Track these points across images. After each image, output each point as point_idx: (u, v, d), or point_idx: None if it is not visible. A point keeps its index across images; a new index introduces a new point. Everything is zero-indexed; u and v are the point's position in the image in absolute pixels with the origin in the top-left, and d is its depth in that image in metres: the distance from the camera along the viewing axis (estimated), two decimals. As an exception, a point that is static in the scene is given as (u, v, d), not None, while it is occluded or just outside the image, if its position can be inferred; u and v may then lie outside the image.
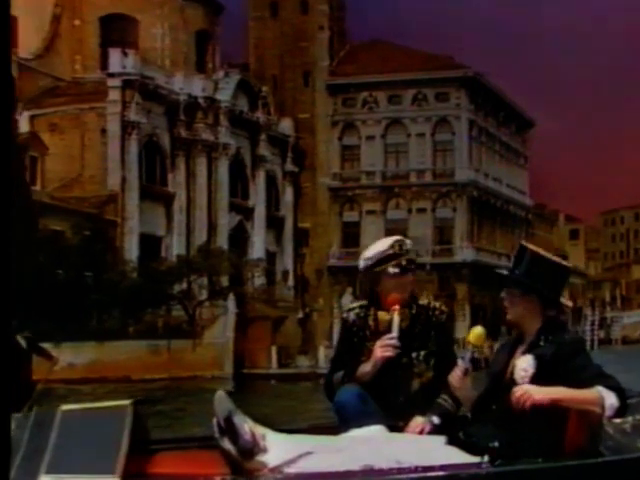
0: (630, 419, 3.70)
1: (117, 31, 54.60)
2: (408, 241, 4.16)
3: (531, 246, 3.76)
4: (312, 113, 64.68)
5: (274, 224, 59.69)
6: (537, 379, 3.53)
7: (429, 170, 64.99)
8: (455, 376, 3.64)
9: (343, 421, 3.82)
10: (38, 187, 44.67)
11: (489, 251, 67.51)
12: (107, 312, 41.78)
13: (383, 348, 3.98)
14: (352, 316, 4.19)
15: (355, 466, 3.30)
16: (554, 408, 3.44)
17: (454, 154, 64.94)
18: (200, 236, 52.05)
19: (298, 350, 48.18)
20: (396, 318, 4.00)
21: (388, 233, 63.93)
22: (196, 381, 37.42)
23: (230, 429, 3.43)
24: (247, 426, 3.45)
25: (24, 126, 45.86)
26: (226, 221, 54.41)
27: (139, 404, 3.67)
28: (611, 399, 3.41)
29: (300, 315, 53.77)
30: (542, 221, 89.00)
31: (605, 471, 3.48)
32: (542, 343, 3.63)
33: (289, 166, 62.09)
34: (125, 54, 49.72)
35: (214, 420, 3.50)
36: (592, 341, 77.35)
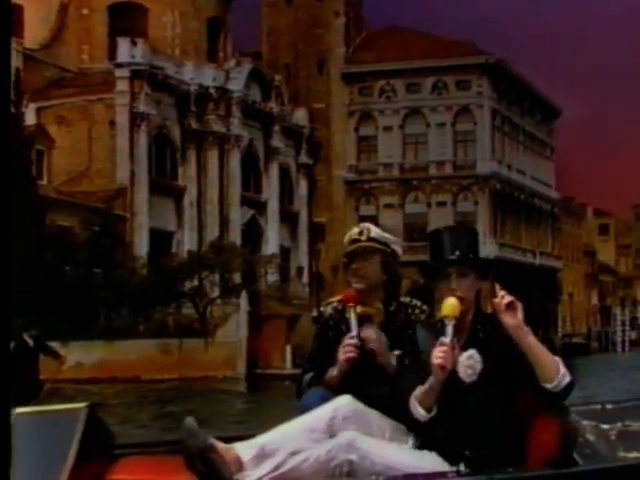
0: (618, 425, 3.66)
1: (126, 20, 54.99)
2: (375, 229, 4.04)
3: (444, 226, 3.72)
4: (327, 103, 64.89)
5: (288, 219, 59.99)
6: (485, 374, 3.47)
7: (449, 162, 65.07)
8: (446, 355, 3.41)
9: None
10: (45, 181, 45.12)
11: (513, 247, 67.53)
12: (116, 310, 42.11)
13: (344, 349, 3.87)
14: (329, 310, 4.12)
15: (329, 464, 3.41)
16: (521, 410, 3.47)
17: (476, 145, 64.97)
18: (212, 231, 52.41)
19: (313, 349, 48.35)
20: (353, 317, 3.90)
21: (407, 228, 64.29)
22: (208, 381, 37.71)
23: (205, 464, 3.41)
24: (222, 461, 3.44)
25: (30, 119, 46.29)
26: (238, 216, 54.73)
27: (96, 407, 3.65)
28: (565, 369, 3.41)
29: (315, 313, 53.98)
30: (569, 215, 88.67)
31: None
32: (481, 334, 3.53)
33: (303, 158, 62.35)
34: (134, 43, 50.06)
35: (185, 441, 3.49)
36: (623, 342, 77.02)
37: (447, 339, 3.43)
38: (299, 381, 4.06)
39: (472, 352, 3.49)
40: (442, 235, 3.63)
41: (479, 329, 3.53)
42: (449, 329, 3.44)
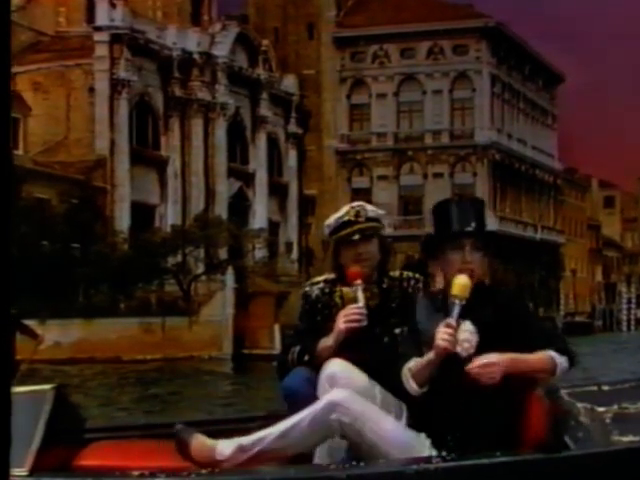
0: (615, 407, 3.65)
1: (104, -20, 54.80)
2: (370, 208, 4.04)
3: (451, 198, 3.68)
4: (317, 69, 64.86)
5: (277, 191, 60.05)
6: (481, 347, 3.41)
7: (446, 131, 65.16)
8: (452, 339, 3.38)
9: (292, 409, 3.66)
10: (20, 151, 45.01)
11: (513, 220, 67.76)
12: (96, 287, 42.17)
13: (347, 317, 3.84)
14: (315, 291, 4.08)
15: (318, 426, 3.43)
16: (510, 390, 3.44)
17: (474, 113, 65.10)
18: (197, 204, 52.48)
19: (303, 328, 48.43)
20: (360, 294, 3.87)
21: (402, 200, 64.51)
22: (192, 362, 37.86)
23: (179, 442, 3.49)
24: (196, 444, 3.47)
25: (4, 85, 46.13)
26: (225, 188, 54.80)
27: (64, 388, 3.64)
28: (563, 364, 3.42)
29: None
30: (573, 187, 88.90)
31: (564, 466, 3.41)
32: (476, 306, 3.46)
33: (293, 127, 62.31)
34: (113, 6, 49.91)
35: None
36: (628, 321, 77.43)
37: (453, 321, 3.40)
38: (282, 359, 3.98)
39: (467, 323, 3.44)
40: (451, 206, 3.62)
41: (477, 299, 3.47)
42: (456, 310, 3.41)
